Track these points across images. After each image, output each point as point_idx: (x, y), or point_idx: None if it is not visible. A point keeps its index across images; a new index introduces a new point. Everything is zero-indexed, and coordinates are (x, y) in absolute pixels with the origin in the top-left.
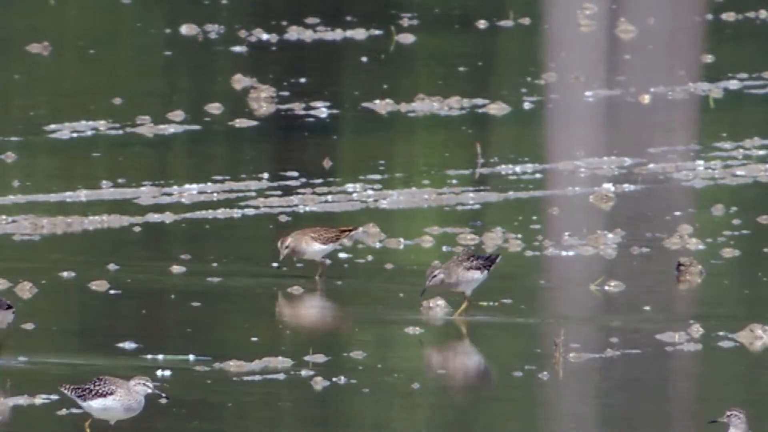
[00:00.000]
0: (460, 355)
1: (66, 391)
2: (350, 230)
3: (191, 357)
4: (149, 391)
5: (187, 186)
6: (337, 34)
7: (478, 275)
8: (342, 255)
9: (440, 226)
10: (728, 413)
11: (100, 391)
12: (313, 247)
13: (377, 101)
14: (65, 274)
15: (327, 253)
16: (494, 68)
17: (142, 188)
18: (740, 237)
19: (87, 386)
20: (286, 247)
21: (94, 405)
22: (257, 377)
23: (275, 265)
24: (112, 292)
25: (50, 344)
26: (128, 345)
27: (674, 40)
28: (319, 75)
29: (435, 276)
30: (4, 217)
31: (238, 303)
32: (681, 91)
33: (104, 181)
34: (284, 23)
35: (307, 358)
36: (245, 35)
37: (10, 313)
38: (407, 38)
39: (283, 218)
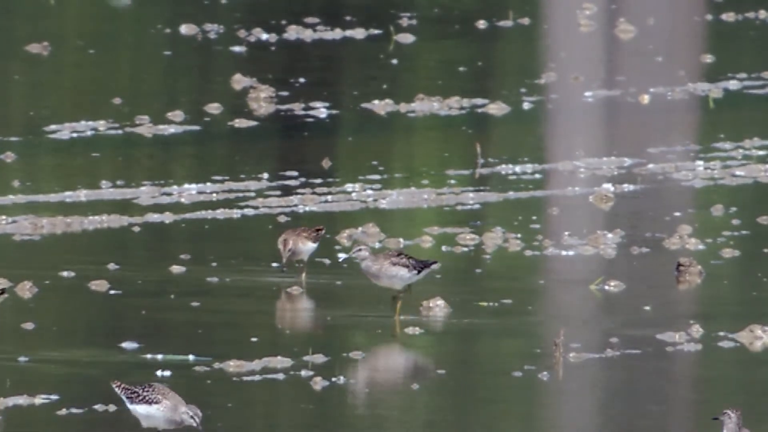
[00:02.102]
0: (459, 355)
1: (117, 389)
2: (320, 229)
3: (191, 357)
4: (193, 425)
5: (186, 186)
6: (337, 34)
7: (402, 272)
8: (342, 255)
9: (440, 226)
10: (723, 412)
11: (148, 397)
12: (307, 245)
13: (377, 101)
14: (65, 274)
15: (314, 251)
16: (494, 68)
17: (142, 188)
18: (740, 237)
19: (137, 389)
20: (289, 250)
21: (139, 410)
22: (257, 377)
23: (276, 264)
24: (112, 292)
25: (50, 344)
26: (128, 345)
27: (674, 40)
28: (318, 75)
29: (360, 250)
30: (4, 217)
31: (238, 303)
32: (681, 91)
33: (104, 181)
34: (284, 23)
35: (306, 358)
36: (245, 35)
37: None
38: (407, 38)
39: (282, 218)
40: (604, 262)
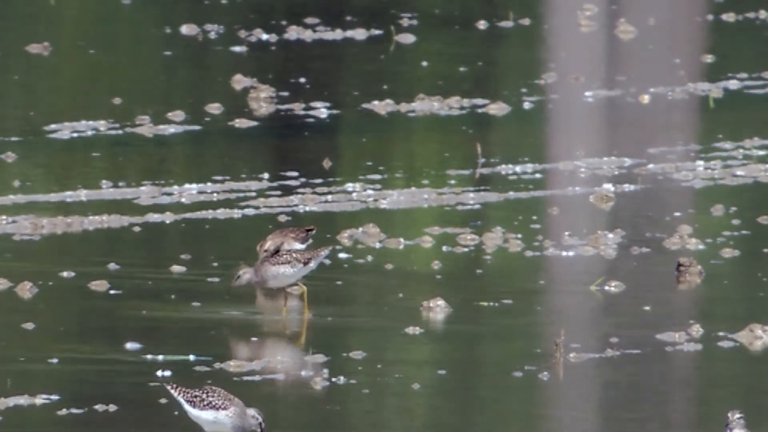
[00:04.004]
0: (460, 355)
1: (173, 392)
2: (311, 230)
3: (191, 357)
4: (257, 421)
5: (187, 186)
6: (337, 34)
7: (284, 270)
8: (342, 255)
9: (440, 226)
10: (738, 416)
11: (214, 403)
12: (294, 246)
13: (376, 101)
14: (65, 274)
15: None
16: (494, 68)
17: (142, 188)
18: (740, 237)
19: (198, 394)
20: (265, 251)
21: (204, 415)
22: (257, 377)
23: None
24: (112, 292)
25: (50, 344)
26: (128, 345)
27: (674, 40)
28: (319, 75)
29: (239, 277)
30: (4, 217)
31: (238, 303)
32: (681, 91)
33: (104, 181)
34: (284, 23)
35: (307, 358)
36: (245, 35)
37: None
38: (407, 38)
39: (282, 218)
40: (604, 262)
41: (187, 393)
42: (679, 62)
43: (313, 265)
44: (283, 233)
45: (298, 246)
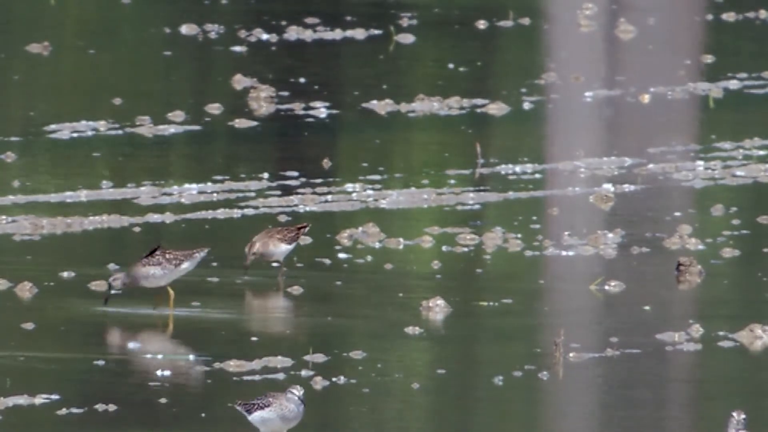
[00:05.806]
0: (460, 355)
1: (237, 407)
2: (304, 227)
3: (191, 357)
4: (296, 396)
5: (186, 186)
6: (337, 34)
7: (154, 271)
8: (342, 255)
9: (440, 226)
10: (743, 416)
11: (260, 404)
12: (280, 248)
13: (376, 101)
14: (65, 274)
15: (290, 251)
16: (494, 68)
17: (142, 188)
18: (740, 237)
19: (253, 401)
20: (254, 254)
21: (256, 418)
22: (257, 377)
23: (245, 274)
24: (112, 292)
25: (50, 344)
26: (129, 345)
27: (674, 40)
28: (319, 75)
29: (116, 279)
30: (4, 217)
31: (238, 303)
32: (681, 91)
33: (104, 181)
34: (284, 23)
35: (307, 358)
36: (245, 35)
37: None
38: (407, 38)
39: (282, 218)
40: (604, 262)
41: (245, 404)
42: (679, 62)
43: (187, 266)
44: (269, 234)
45: (284, 247)
